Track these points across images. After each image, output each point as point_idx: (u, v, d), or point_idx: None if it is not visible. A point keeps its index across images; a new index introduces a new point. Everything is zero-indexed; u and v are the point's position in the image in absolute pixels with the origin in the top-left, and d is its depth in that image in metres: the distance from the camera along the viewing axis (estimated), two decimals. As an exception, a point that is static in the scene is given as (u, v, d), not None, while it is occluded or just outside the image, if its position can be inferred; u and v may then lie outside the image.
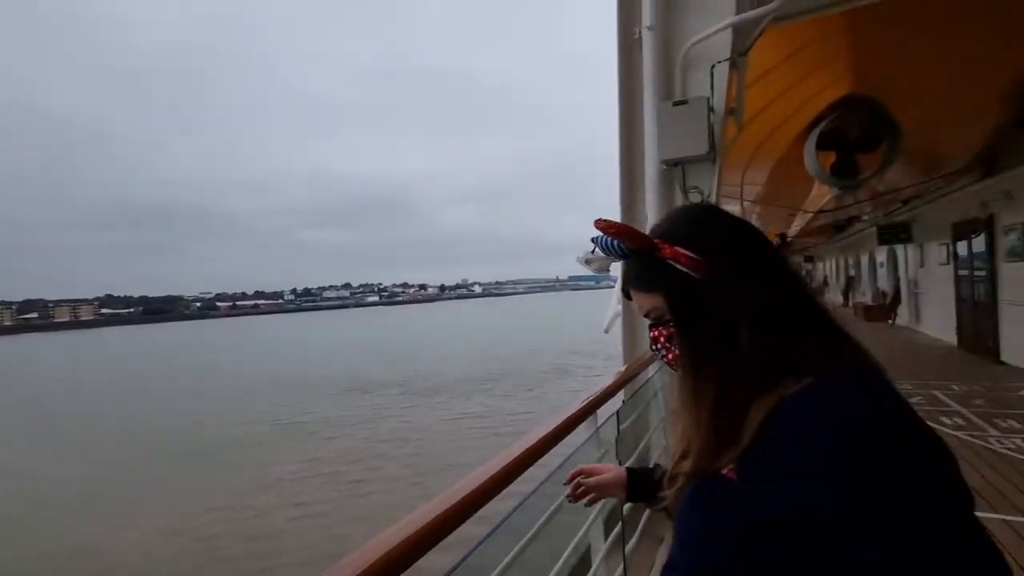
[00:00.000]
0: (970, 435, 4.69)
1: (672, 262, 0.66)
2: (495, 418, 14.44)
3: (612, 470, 1.05)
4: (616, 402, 2.89)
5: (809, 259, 36.86)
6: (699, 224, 0.71)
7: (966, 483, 0.55)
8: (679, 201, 3.78)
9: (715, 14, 3.47)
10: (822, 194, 5.51)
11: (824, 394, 0.58)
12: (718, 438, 0.64)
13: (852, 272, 21.25)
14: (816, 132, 4.18)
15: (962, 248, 9.20)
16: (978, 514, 0.53)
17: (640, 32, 3.71)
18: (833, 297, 24.13)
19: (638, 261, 0.70)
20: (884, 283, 15.59)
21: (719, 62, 3.45)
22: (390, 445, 12.53)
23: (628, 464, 2.42)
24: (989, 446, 4.39)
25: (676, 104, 3.45)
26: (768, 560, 0.58)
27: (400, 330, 62.79)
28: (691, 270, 0.65)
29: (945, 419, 5.20)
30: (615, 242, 0.70)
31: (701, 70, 3.56)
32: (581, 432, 2.05)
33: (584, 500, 1.04)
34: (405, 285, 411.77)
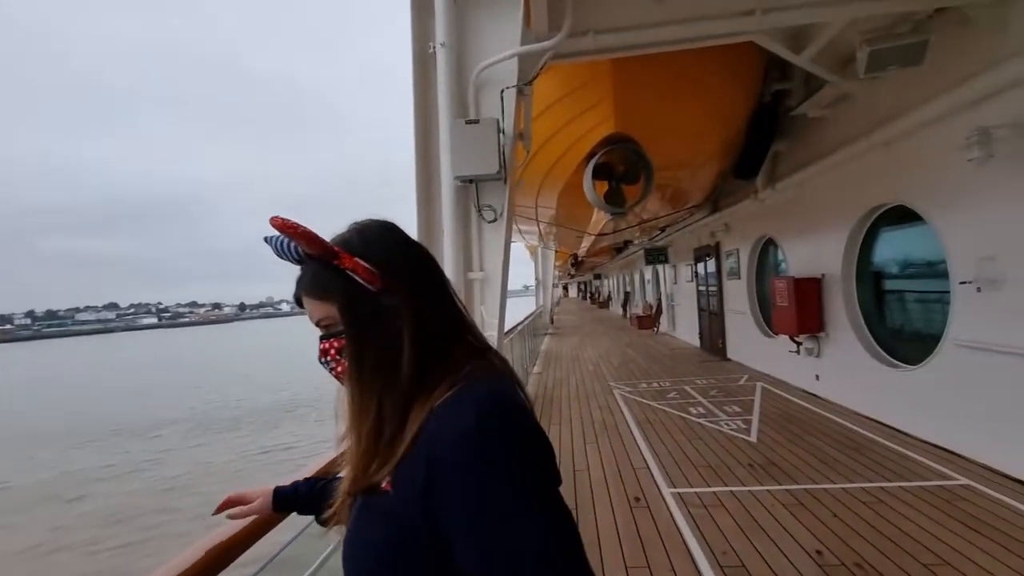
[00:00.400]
0: (709, 421, 5.73)
1: (351, 272, 0.66)
2: (305, 448, 13.09)
3: (262, 493, 1.04)
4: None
5: (598, 276, 42.37)
6: (378, 239, 0.73)
7: (558, 468, 0.66)
8: (473, 218, 3.85)
9: (503, 41, 3.63)
10: (600, 219, 6.27)
11: (464, 401, 0.63)
12: (377, 452, 0.66)
13: (629, 288, 24.97)
14: (591, 164, 4.71)
15: (701, 268, 11.48)
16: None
17: (434, 47, 3.70)
18: (616, 309, 27.94)
19: (316, 268, 0.69)
20: (651, 297, 18.64)
21: (508, 88, 3.61)
22: (174, 495, 10.37)
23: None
24: (720, 429, 5.41)
25: (469, 123, 3.50)
26: (420, 567, 0.61)
27: (170, 354, 53.17)
28: (367, 282, 0.67)
29: (692, 409, 6.28)
30: (292, 244, 0.68)
31: (492, 92, 3.69)
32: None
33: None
34: (194, 304, 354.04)
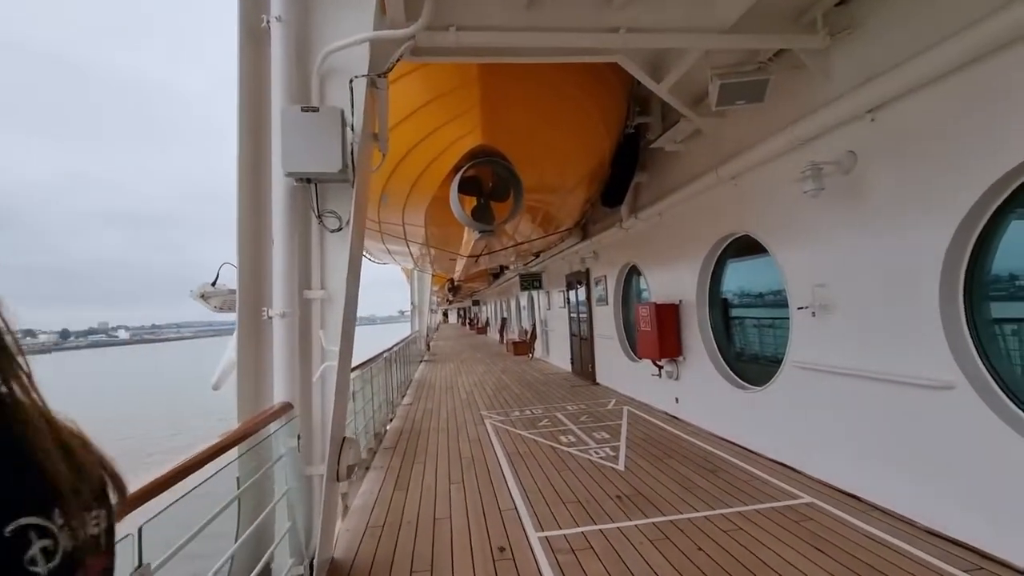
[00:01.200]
0: (579, 450, 5.56)
1: None
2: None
3: None
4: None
5: (476, 303, 42.41)
6: None
7: None
8: (314, 227, 3.23)
9: (354, 24, 3.15)
10: (471, 238, 5.95)
11: None
12: None
13: (506, 314, 25.16)
14: (458, 177, 4.36)
15: (573, 295, 11.75)
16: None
17: (268, 21, 3.08)
18: (494, 335, 27.95)
19: None
20: (527, 323, 18.84)
21: (357, 77, 3.11)
22: None
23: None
24: (590, 458, 5.25)
25: (306, 110, 2.92)
26: None
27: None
28: None
29: (563, 437, 6.10)
30: None
31: (340, 82, 3.16)
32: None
33: None
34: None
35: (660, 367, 6.83)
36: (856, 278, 3.76)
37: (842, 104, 3.63)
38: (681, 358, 6.41)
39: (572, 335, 11.93)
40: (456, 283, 18.31)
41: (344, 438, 3.25)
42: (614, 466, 4.95)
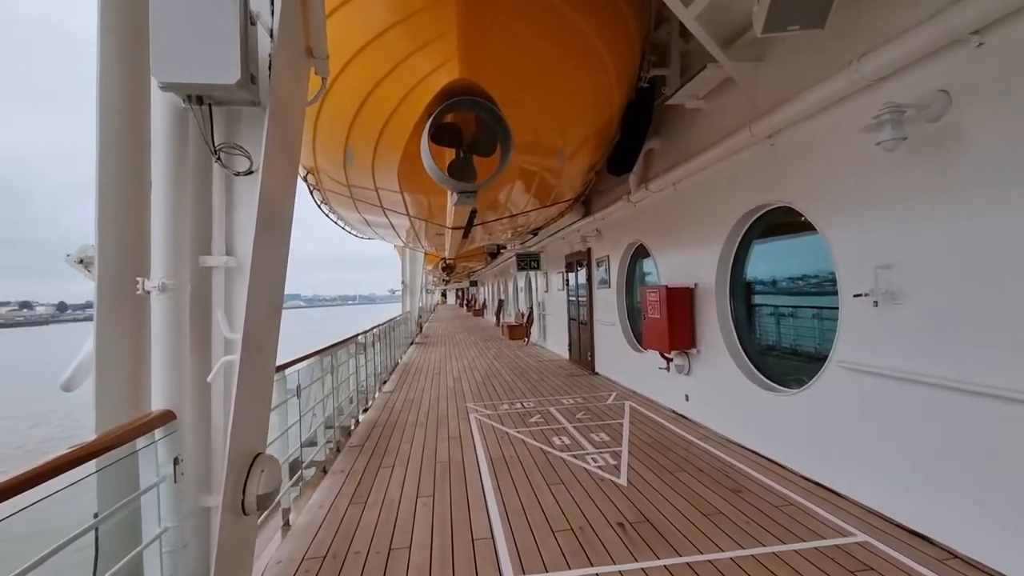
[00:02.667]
0: (574, 455, 4.76)
1: None
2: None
3: None
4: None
5: (474, 283, 41.57)
6: None
7: None
8: (216, 170, 2.35)
9: None
10: (454, 206, 5.07)
11: None
12: None
13: (503, 296, 24.33)
14: (429, 122, 3.45)
15: (572, 277, 10.89)
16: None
17: None
18: (491, 318, 27.18)
19: None
20: (523, 306, 18.02)
21: (276, -43, 2.20)
22: None
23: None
24: (587, 467, 4.44)
25: (188, -7, 2.02)
26: None
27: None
28: None
29: (556, 439, 5.29)
30: None
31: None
32: None
33: None
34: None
35: (668, 360, 6.00)
36: (938, 260, 2.90)
37: (934, 25, 2.71)
38: (694, 350, 5.57)
39: (571, 320, 11.11)
40: (449, 262, 17.42)
41: (256, 456, 2.41)
42: (615, 480, 4.15)
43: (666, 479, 4.11)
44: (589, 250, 9.47)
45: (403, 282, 16.90)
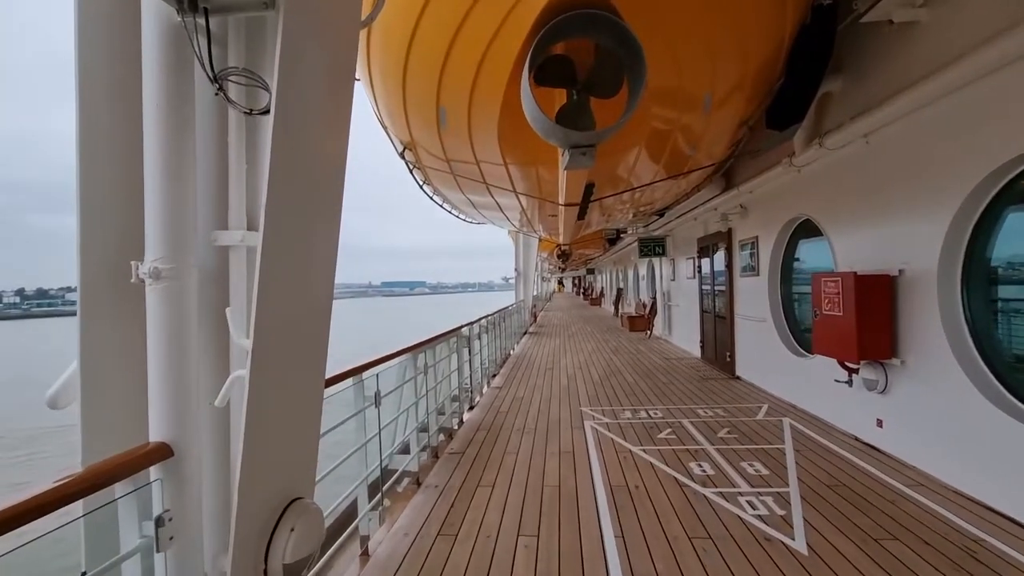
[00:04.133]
0: (721, 494, 3.63)
1: None
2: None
3: None
4: None
5: (591, 271, 40.28)
6: None
7: None
8: (231, 115, 1.70)
9: None
10: (565, 172, 4.15)
11: None
12: None
13: (622, 284, 22.87)
14: (530, 54, 2.57)
15: (707, 263, 9.37)
16: None
17: None
18: (609, 307, 25.86)
19: None
20: (645, 295, 16.54)
21: None
22: None
23: None
24: (742, 516, 3.30)
25: None
26: None
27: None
28: None
29: (695, 465, 4.18)
30: None
31: None
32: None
33: None
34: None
35: (852, 370, 4.52)
36: None
37: None
38: (895, 361, 4.06)
39: (703, 312, 9.61)
40: (564, 249, 16.52)
41: (289, 504, 1.75)
42: (788, 542, 2.97)
43: (868, 549, 2.84)
44: (731, 230, 7.95)
45: (516, 270, 16.40)
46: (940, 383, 3.65)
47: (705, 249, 9.31)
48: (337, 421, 2.85)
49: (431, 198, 7.11)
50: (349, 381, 3.05)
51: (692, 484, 3.82)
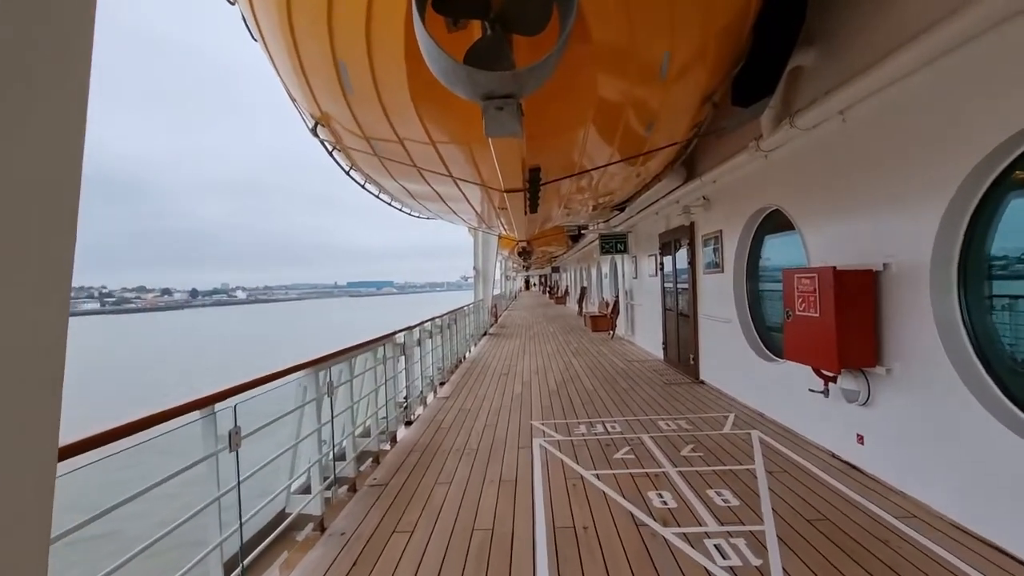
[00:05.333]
0: (685, 536, 3.01)
1: None
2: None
3: None
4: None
5: (556, 269, 39.88)
6: None
7: None
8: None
9: None
10: (504, 151, 3.44)
11: None
12: None
13: (585, 283, 22.42)
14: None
15: (669, 260, 8.87)
16: None
17: None
18: (573, 306, 25.40)
19: None
20: (609, 294, 16.08)
21: None
22: None
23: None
24: (709, 564, 2.68)
25: None
26: None
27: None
28: None
29: (654, 496, 3.56)
30: None
31: None
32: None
33: None
34: (142, 289, 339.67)
35: (829, 379, 3.99)
36: None
37: None
38: (881, 369, 3.53)
39: (667, 311, 9.12)
40: (524, 247, 15.88)
41: None
42: (767, 607, 2.36)
43: (865, 614, 2.25)
44: (693, 224, 7.44)
45: (475, 268, 15.66)
46: (933, 395, 3.13)
47: (667, 245, 8.81)
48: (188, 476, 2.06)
49: (363, 187, 6.29)
50: (196, 414, 2.26)
51: (651, 523, 3.18)
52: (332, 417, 3.60)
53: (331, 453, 3.61)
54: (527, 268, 41.18)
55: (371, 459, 4.57)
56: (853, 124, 3.78)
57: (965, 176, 2.88)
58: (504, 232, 12.35)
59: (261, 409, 2.97)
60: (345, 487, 3.94)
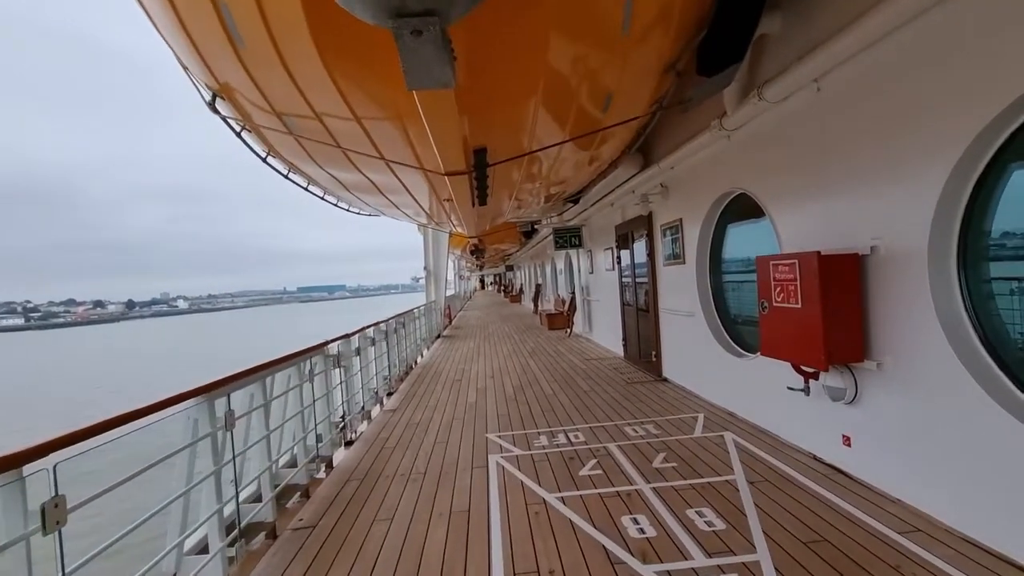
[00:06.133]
0: (667, 570, 2.53)
1: None
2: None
3: None
4: None
5: (510, 268, 39.47)
6: None
7: None
8: None
9: None
10: (435, 123, 2.85)
11: None
12: None
13: (540, 280, 22.06)
14: None
15: (627, 254, 8.52)
16: None
17: None
18: (529, 304, 25.01)
19: None
20: (564, 291, 15.72)
21: None
22: None
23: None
24: (703, 617, 2.20)
25: None
26: None
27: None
28: None
29: (630, 523, 3.07)
30: None
31: None
32: None
33: None
34: (71, 302, 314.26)
35: (810, 375, 3.63)
36: None
37: None
38: (871, 364, 3.18)
39: (625, 306, 8.77)
40: (476, 244, 15.27)
41: None
42: (781, 674, 1.89)
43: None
44: (651, 214, 7.08)
45: (425, 268, 14.91)
46: (933, 390, 2.79)
47: (624, 237, 8.45)
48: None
49: (287, 177, 5.51)
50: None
51: (629, 559, 2.68)
52: (235, 454, 2.90)
53: (236, 498, 2.90)
54: (481, 267, 40.60)
55: (299, 494, 3.88)
56: (830, 94, 3.43)
57: (967, 146, 2.54)
58: (455, 229, 11.71)
59: (140, 451, 2.27)
60: (262, 535, 3.24)
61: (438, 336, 14.65)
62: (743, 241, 5.22)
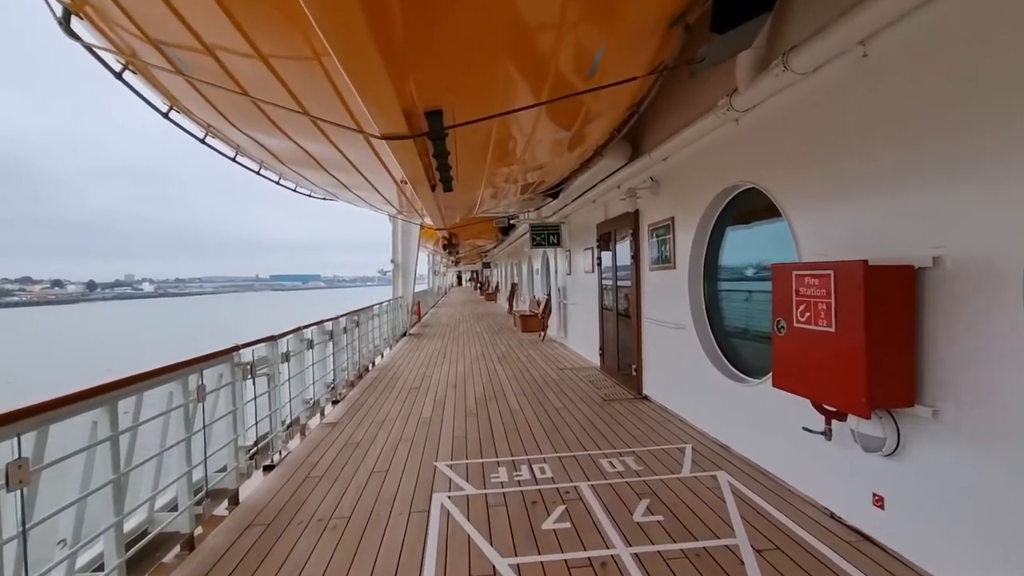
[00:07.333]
0: None
1: None
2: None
3: None
4: None
5: (487, 265, 38.59)
6: None
7: None
8: None
9: None
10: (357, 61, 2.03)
11: None
12: None
13: (516, 279, 21.26)
14: None
15: (608, 255, 7.77)
16: None
17: None
18: (504, 303, 24.19)
19: None
20: (540, 291, 14.96)
21: None
22: None
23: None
24: None
25: None
26: None
27: None
28: None
29: (602, 612, 2.28)
30: None
31: None
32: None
33: None
34: (26, 280, 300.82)
35: (832, 414, 2.89)
36: None
37: None
38: (924, 410, 2.45)
39: (604, 310, 8.03)
40: (449, 238, 14.36)
41: None
42: None
43: None
44: (637, 212, 6.33)
45: (393, 261, 13.94)
46: (1019, 451, 2.06)
47: (606, 237, 7.70)
48: None
49: (203, 142, 4.52)
50: None
51: None
52: (78, 498, 1.98)
53: (72, 561, 2.00)
54: (456, 263, 39.61)
55: (179, 546, 2.97)
56: (880, 59, 2.68)
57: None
58: (425, 220, 10.80)
59: None
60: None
61: (404, 334, 13.72)
62: (745, 246, 4.50)
